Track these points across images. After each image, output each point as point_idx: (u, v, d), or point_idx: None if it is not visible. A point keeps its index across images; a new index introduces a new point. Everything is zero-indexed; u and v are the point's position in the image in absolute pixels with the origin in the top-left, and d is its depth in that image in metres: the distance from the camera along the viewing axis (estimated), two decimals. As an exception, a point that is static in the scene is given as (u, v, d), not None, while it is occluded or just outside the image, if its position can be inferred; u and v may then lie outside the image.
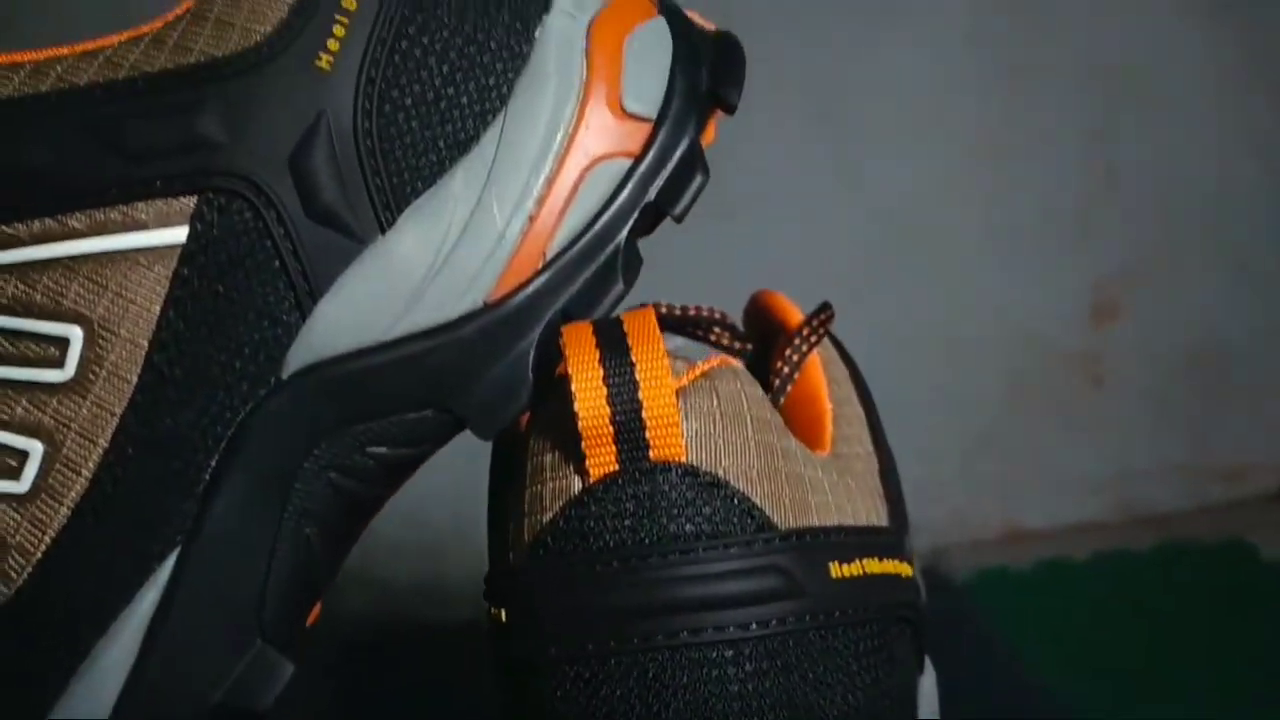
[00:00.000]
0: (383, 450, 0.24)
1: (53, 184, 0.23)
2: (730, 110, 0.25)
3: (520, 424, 0.26)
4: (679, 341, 0.30)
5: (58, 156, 0.23)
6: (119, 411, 0.23)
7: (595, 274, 0.24)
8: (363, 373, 0.24)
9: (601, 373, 0.21)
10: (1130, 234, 0.60)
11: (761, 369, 0.29)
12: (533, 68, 0.24)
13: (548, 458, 0.23)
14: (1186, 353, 0.61)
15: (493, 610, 0.23)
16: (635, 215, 0.24)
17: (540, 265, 0.24)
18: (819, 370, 0.27)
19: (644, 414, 0.21)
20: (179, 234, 0.23)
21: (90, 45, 0.24)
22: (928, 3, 0.56)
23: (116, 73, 0.23)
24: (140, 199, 0.23)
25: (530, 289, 0.24)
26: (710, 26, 0.27)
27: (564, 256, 0.24)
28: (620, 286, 0.24)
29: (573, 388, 0.21)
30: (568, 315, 0.24)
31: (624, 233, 0.24)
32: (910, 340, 0.59)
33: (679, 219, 0.25)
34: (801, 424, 0.26)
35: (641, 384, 0.21)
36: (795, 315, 0.29)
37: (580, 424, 0.22)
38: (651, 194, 0.24)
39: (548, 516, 0.22)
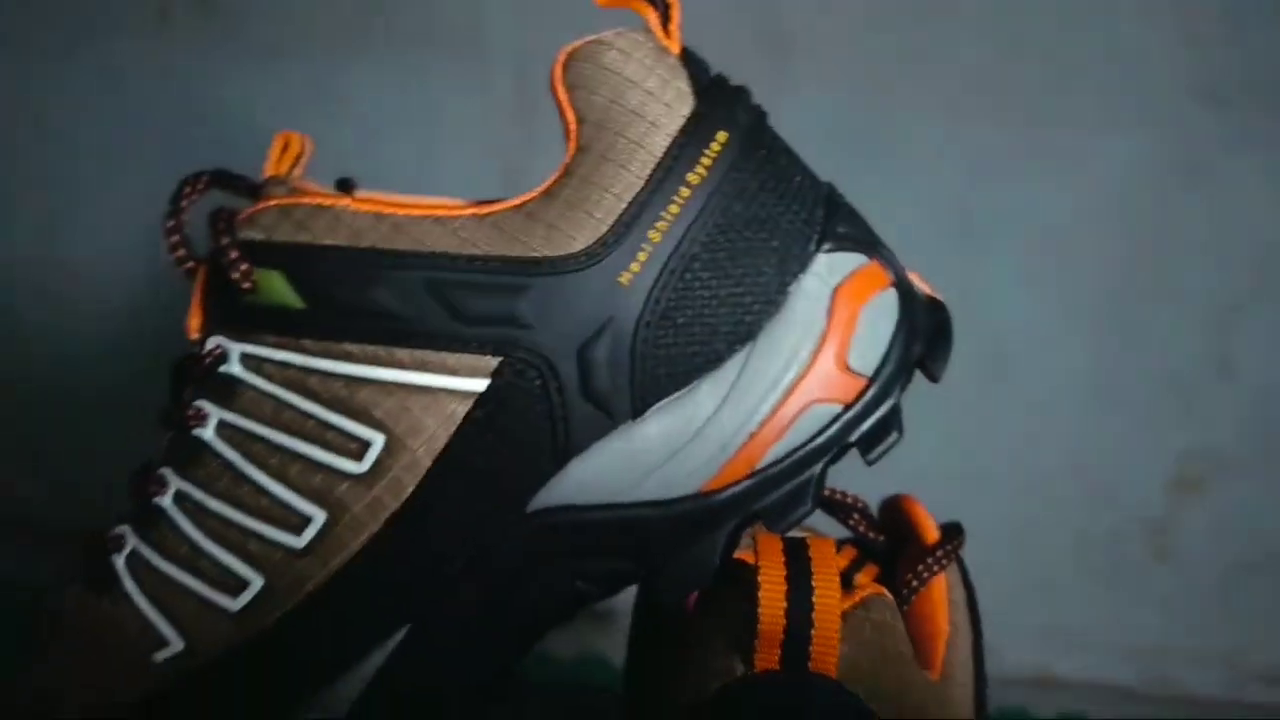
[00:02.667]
0: (585, 585, 0.30)
1: (392, 323, 0.28)
2: (934, 380, 0.30)
3: None
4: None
5: (401, 303, 0.28)
6: (392, 508, 0.29)
7: (790, 491, 0.29)
8: (590, 523, 0.29)
9: (786, 588, 0.27)
10: (1231, 419, 0.61)
11: (890, 562, 0.34)
12: (783, 315, 0.29)
13: (718, 638, 0.28)
14: (1258, 547, 0.62)
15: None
16: (834, 453, 0.29)
17: (748, 473, 0.29)
18: (943, 590, 0.32)
19: (813, 631, 0.27)
20: (479, 384, 0.29)
21: (442, 212, 0.29)
22: (1073, 160, 0.59)
23: (460, 246, 0.28)
24: (456, 350, 0.28)
25: (737, 490, 0.29)
26: (927, 289, 0.32)
27: (768, 471, 0.29)
28: (808, 507, 0.29)
29: (760, 593, 0.27)
30: (757, 516, 0.29)
31: (820, 465, 0.29)
32: (990, 475, 0.62)
33: (870, 463, 0.30)
34: (918, 636, 0.31)
35: (816, 606, 0.27)
36: (929, 526, 0.34)
37: (760, 624, 0.27)
38: (852, 438, 0.29)
39: (709, 686, 0.28)
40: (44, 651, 0.31)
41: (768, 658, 0.27)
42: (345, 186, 0.33)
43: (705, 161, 0.29)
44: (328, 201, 0.29)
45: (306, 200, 0.29)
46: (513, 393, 0.29)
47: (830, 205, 0.31)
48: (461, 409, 0.29)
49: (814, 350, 0.29)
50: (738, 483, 0.29)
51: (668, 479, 0.29)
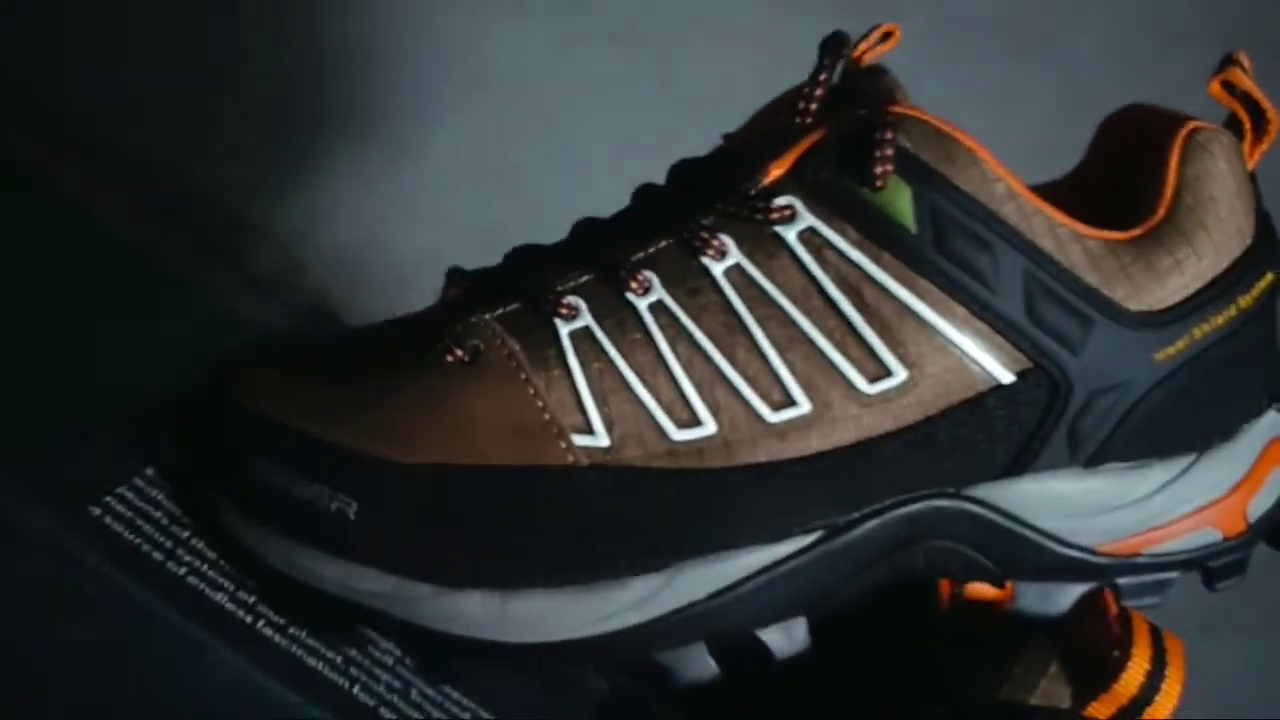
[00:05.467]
0: (955, 569, 0.32)
1: (974, 284, 0.30)
2: (1275, 549, 0.35)
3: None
4: None
5: (993, 274, 0.30)
6: (869, 435, 0.30)
7: (1151, 583, 0.33)
8: (998, 528, 0.32)
9: (1147, 668, 0.31)
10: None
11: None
12: (1229, 445, 0.33)
13: (1050, 665, 0.32)
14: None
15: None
16: (1184, 572, 0.34)
17: (1128, 555, 0.33)
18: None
19: (1148, 711, 0.31)
20: (1006, 376, 0.30)
21: (1049, 211, 0.30)
22: None
23: (1056, 251, 0.30)
24: (1008, 337, 0.30)
25: (1118, 562, 0.33)
26: None
27: (1142, 563, 0.33)
28: (1158, 601, 0.33)
29: (1131, 663, 0.31)
30: (1116, 587, 0.33)
31: (1179, 572, 0.34)
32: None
33: (1212, 591, 0.34)
34: None
35: (1161, 694, 0.31)
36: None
37: (1115, 685, 0.31)
38: (1212, 564, 0.34)
39: (1019, 694, 0.32)
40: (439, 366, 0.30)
41: (1100, 710, 0.31)
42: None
43: (1254, 292, 0.32)
44: (973, 145, 0.30)
45: (957, 135, 0.30)
46: (1024, 397, 0.31)
47: None
48: (980, 386, 0.30)
49: (1233, 485, 0.33)
50: (1122, 557, 0.33)
51: (1078, 527, 0.32)
